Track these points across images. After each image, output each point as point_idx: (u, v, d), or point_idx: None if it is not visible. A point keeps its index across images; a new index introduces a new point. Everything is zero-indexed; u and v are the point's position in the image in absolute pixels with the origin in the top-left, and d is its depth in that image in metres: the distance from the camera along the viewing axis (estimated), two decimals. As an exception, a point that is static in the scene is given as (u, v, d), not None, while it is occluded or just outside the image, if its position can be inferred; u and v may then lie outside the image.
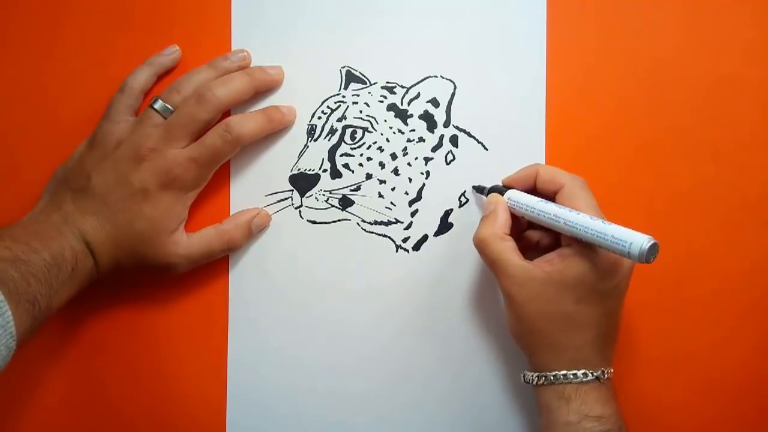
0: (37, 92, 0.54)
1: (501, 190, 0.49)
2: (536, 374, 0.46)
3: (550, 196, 0.47)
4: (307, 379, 0.53)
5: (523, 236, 0.50)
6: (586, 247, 0.44)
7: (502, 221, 0.47)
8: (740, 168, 0.51)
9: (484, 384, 0.52)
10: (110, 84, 0.52)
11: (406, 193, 0.53)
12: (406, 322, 0.53)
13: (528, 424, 0.52)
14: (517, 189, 0.49)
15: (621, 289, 0.46)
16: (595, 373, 0.45)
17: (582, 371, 0.45)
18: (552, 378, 0.45)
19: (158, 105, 0.50)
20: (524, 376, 0.47)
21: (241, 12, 0.53)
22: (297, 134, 0.53)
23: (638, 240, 0.40)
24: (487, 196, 0.50)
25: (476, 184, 0.52)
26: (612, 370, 0.46)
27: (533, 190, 0.48)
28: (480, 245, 0.47)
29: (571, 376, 0.45)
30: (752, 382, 0.51)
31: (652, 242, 0.40)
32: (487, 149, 0.52)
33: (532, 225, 0.50)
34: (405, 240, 0.53)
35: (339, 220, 0.53)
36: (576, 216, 0.44)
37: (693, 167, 0.52)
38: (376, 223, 0.53)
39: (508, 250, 0.46)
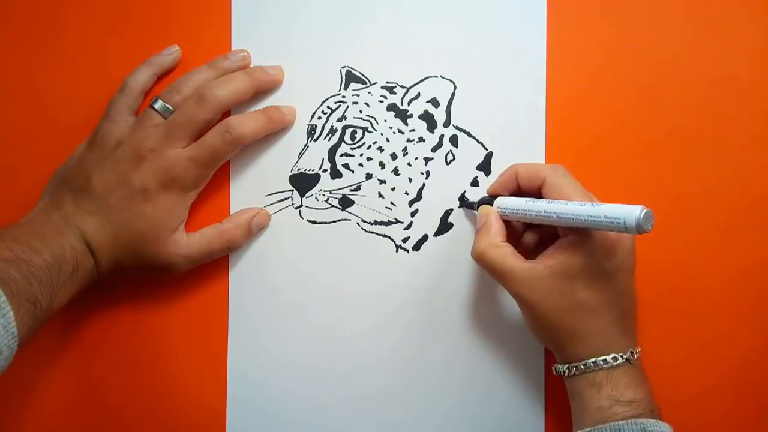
0: (36, 92, 0.54)
1: (489, 201, 0.49)
2: (566, 366, 0.46)
3: (536, 192, 0.47)
4: (307, 378, 0.53)
5: (521, 241, 0.50)
6: (582, 232, 0.44)
7: (496, 230, 0.47)
8: (741, 169, 0.51)
9: (485, 383, 0.52)
10: (110, 84, 0.52)
11: (406, 193, 0.53)
12: (407, 322, 0.53)
13: (546, 412, 0.52)
14: (504, 195, 0.49)
15: (627, 266, 0.45)
16: (624, 356, 0.44)
17: (611, 356, 0.44)
18: (582, 367, 0.45)
19: (158, 105, 0.50)
20: (555, 369, 0.47)
21: (241, 12, 0.53)
22: (297, 134, 0.53)
23: (630, 212, 0.40)
24: (477, 209, 0.50)
25: (464, 200, 0.52)
26: (640, 350, 0.46)
27: (519, 191, 0.48)
28: (479, 258, 0.47)
29: (602, 362, 0.44)
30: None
31: (644, 211, 0.40)
32: (487, 149, 0.52)
33: (529, 226, 0.50)
34: (405, 240, 0.53)
35: (339, 220, 0.53)
36: (566, 207, 0.44)
37: (694, 167, 0.52)
38: (376, 223, 0.53)
39: (507, 256, 0.46)
